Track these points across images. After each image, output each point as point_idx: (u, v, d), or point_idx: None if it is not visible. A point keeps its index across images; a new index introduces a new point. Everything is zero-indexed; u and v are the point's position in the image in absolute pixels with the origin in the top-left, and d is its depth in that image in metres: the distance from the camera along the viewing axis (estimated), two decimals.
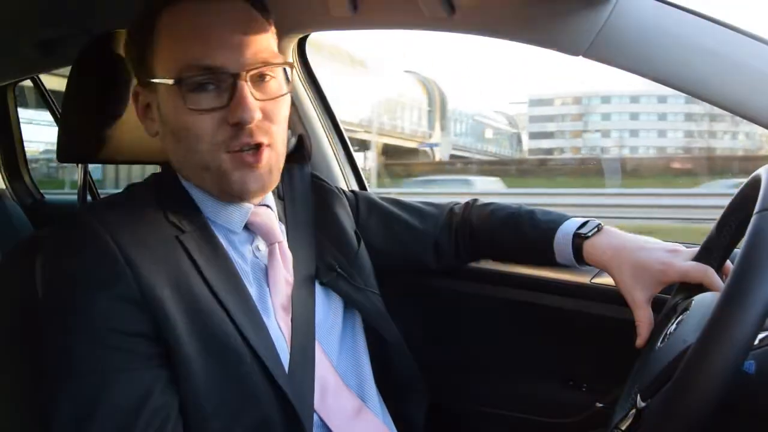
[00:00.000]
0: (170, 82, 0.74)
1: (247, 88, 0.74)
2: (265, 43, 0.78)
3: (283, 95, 0.79)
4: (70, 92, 0.96)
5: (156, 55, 0.76)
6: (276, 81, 0.79)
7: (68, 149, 0.98)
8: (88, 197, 1.22)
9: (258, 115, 0.74)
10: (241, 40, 0.75)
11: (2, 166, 2.45)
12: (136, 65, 0.80)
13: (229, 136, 0.75)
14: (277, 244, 0.84)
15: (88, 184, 1.17)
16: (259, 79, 0.77)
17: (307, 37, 1.36)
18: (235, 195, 0.79)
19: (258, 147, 0.76)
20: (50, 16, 1.38)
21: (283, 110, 0.80)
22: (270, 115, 0.77)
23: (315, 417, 0.80)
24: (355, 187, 1.53)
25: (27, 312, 0.82)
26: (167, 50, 0.75)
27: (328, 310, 0.89)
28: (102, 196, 2.27)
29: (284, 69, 0.81)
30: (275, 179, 0.81)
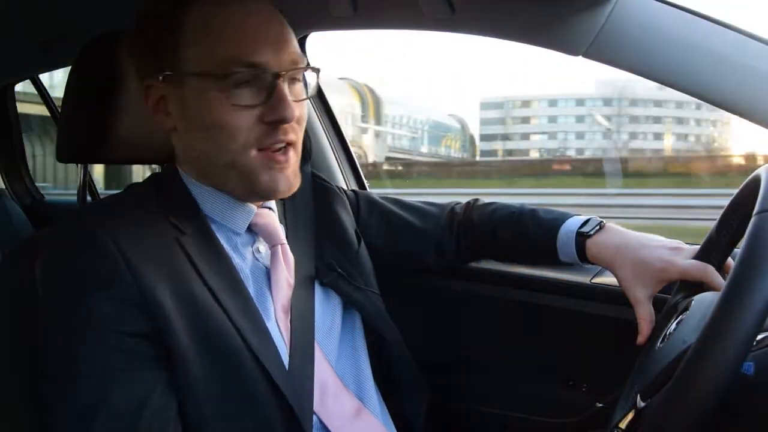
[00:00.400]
0: (217, 75, 0.72)
1: (285, 88, 0.75)
2: (295, 44, 0.79)
3: (307, 98, 0.81)
4: (70, 92, 0.96)
5: (186, 49, 0.74)
6: (301, 83, 0.80)
7: (68, 149, 0.98)
8: (88, 197, 1.22)
9: (296, 114, 0.76)
10: (280, 40, 0.76)
11: (2, 166, 2.45)
12: (154, 58, 0.77)
13: (262, 134, 0.75)
14: (279, 246, 0.84)
15: (87, 184, 1.17)
16: (292, 81, 0.78)
17: (306, 37, 1.36)
18: (261, 195, 0.79)
19: (287, 146, 0.77)
20: (50, 16, 1.38)
21: (305, 112, 0.82)
22: (298, 116, 0.78)
23: (314, 418, 0.80)
24: (354, 186, 1.54)
25: (27, 312, 0.81)
26: (203, 44, 0.74)
27: (327, 310, 0.89)
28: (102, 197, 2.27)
29: (304, 74, 0.81)
30: (299, 180, 0.81)
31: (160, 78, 0.76)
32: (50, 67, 1.88)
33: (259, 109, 0.74)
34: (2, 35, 1.55)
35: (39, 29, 1.45)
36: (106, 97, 0.92)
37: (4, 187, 2.43)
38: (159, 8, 0.77)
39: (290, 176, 0.79)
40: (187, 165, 0.81)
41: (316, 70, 0.82)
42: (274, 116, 0.74)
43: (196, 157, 0.79)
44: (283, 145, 0.77)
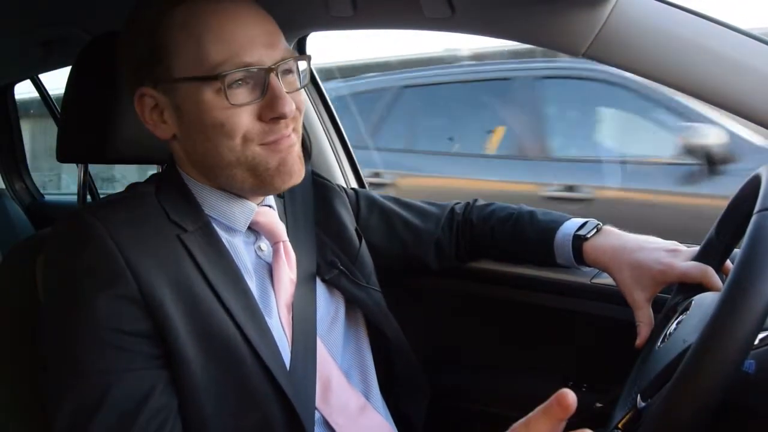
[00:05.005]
0: (210, 78, 0.72)
1: (280, 83, 0.75)
2: (282, 37, 0.78)
3: (303, 87, 0.81)
4: (70, 92, 0.96)
5: (176, 54, 0.74)
6: (293, 74, 0.80)
7: (68, 149, 0.98)
8: (88, 197, 1.22)
9: (294, 107, 0.75)
10: (268, 37, 0.76)
11: (2, 166, 2.45)
12: (144, 67, 0.77)
13: (263, 131, 0.75)
14: (281, 243, 0.84)
15: (87, 184, 1.16)
16: (285, 73, 0.77)
17: (306, 36, 1.36)
18: (273, 184, 0.78)
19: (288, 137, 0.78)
20: (50, 16, 1.38)
21: (303, 100, 0.82)
22: (296, 106, 0.78)
23: (318, 415, 0.80)
24: (354, 185, 1.53)
25: (27, 312, 0.82)
26: (192, 49, 0.73)
27: (330, 307, 0.89)
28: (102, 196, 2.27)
29: (296, 64, 0.81)
30: (303, 166, 0.81)
31: (152, 87, 0.76)
32: (50, 67, 1.88)
33: (256, 105, 0.74)
34: (2, 35, 1.55)
35: (39, 29, 1.45)
36: (106, 97, 0.92)
37: (4, 187, 2.43)
38: (143, 16, 0.77)
39: (294, 166, 0.78)
40: (190, 168, 0.81)
41: (308, 58, 0.82)
42: (273, 113, 0.74)
43: (200, 161, 0.79)
44: (285, 133, 0.77)
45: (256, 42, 0.74)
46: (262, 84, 0.74)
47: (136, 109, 0.78)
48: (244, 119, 0.74)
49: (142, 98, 0.77)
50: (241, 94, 0.74)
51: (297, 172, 0.79)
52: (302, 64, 0.82)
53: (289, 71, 0.78)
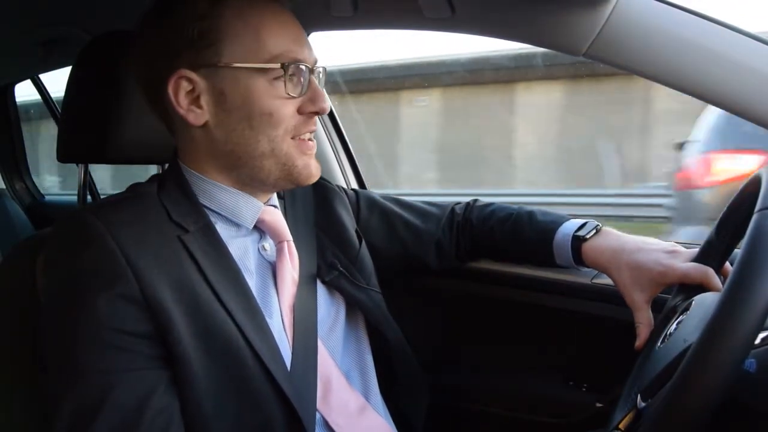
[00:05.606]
0: (267, 68, 0.76)
1: (317, 82, 0.81)
2: None
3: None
4: (70, 92, 0.96)
5: (230, 41, 0.75)
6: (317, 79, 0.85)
7: (68, 149, 0.98)
8: (89, 197, 1.22)
9: (329, 105, 0.81)
10: (307, 40, 0.82)
11: (2, 166, 2.45)
12: (187, 50, 0.76)
13: (299, 123, 0.79)
14: (285, 243, 0.84)
15: (87, 185, 1.16)
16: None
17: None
18: (297, 180, 0.82)
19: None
20: (50, 16, 1.38)
21: None
22: None
23: (318, 416, 0.80)
24: (355, 185, 1.54)
25: (27, 312, 0.82)
26: (251, 37, 0.76)
27: (330, 308, 0.89)
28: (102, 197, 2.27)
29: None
30: (320, 171, 0.85)
31: (192, 70, 0.76)
32: (50, 67, 1.88)
33: (299, 100, 0.79)
34: (2, 35, 1.55)
35: (39, 29, 1.45)
36: (106, 97, 0.92)
37: (4, 187, 2.43)
38: (194, 2, 0.76)
39: (316, 162, 0.83)
40: (206, 161, 0.80)
41: (325, 69, 0.86)
42: (315, 107, 0.79)
43: (230, 150, 0.79)
44: (313, 133, 0.82)
45: (302, 42, 0.80)
46: (304, 81, 0.79)
47: (169, 92, 0.77)
48: (290, 110, 0.78)
49: (179, 81, 0.77)
50: (290, 87, 0.78)
51: (315, 175, 0.83)
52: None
53: (319, 74, 0.83)
